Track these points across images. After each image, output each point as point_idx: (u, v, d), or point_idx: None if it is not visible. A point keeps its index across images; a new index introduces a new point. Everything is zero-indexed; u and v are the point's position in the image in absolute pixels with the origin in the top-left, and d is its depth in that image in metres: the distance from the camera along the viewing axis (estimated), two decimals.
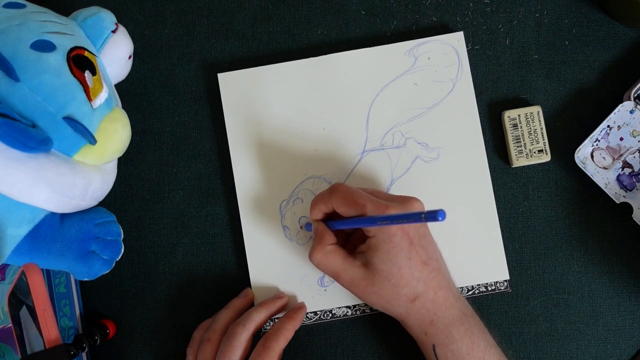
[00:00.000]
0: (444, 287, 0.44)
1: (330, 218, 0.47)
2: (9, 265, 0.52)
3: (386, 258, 0.43)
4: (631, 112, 0.51)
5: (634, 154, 0.51)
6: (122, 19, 0.54)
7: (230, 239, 0.52)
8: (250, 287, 0.51)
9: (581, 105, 0.53)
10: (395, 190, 0.52)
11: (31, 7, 0.45)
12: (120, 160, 0.51)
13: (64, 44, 0.43)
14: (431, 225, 0.51)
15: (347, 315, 0.51)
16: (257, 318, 0.47)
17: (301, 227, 0.52)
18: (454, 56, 0.52)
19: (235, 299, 0.50)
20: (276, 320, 0.51)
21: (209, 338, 0.47)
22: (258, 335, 0.48)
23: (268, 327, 0.51)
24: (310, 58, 0.53)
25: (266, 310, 0.48)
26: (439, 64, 0.52)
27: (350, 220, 0.45)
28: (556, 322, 0.51)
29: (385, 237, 0.43)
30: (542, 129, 0.51)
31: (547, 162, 0.52)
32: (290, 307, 0.51)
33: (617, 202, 0.51)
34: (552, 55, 0.53)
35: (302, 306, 0.50)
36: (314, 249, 0.46)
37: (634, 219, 0.50)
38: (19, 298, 0.45)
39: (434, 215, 0.36)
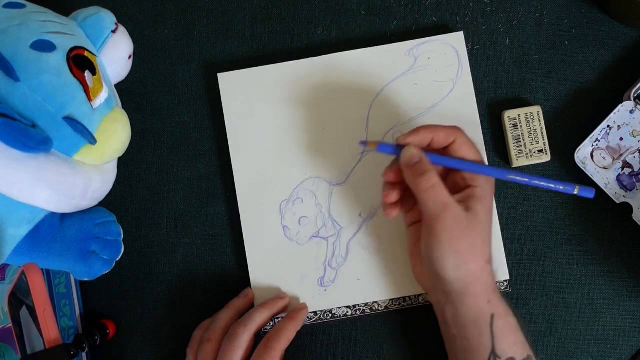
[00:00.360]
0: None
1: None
2: (9, 265, 0.52)
3: (487, 211, 0.44)
4: (631, 112, 0.51)
5: (634, 154, 0.51)
6: (122, 19, 0.54)
7: (230, 239, 0.52)
8: (250, 287, 0.51)
9: (581, 105, 0.53)
10: None
11: (31, 7, 0.45)
12: (120, 160, 0.51)
13: (64, 44, 0.43)
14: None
15: (347, 315, 0.51)
16: (258, 318, 0.47)
17: (369, 143, 0.45)
18: (454, 56, 0.53)
19: (235, 299, 0.50)
20: (277, 320, 0.51)
21: (209, 338, 0.47)
22: (259, 336, 0.48)
23: (269, 328, 0.51)
24: (310, 58, 0.53)
25: (268, 311, 0.48)
26: (439, 64, 0.52)
27: (469, 163, 0.44)
28: (556, 322, 0.51)
29: (489, 192, 0.44)
30: (542, 129, 0.51)
31: (547, 162, 0.52)
32: (292, 307, 0.51)
33: (617, 202, 0.51)
34: (552, 55, 0.53)
35: (303, 307, 0.50)
36: (427, 173, 0.43)
37: (634, 219, 0.50)
38: (19, 298, 0.45)
39: (589, 192, 0.40)
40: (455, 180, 0.45)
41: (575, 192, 0.43)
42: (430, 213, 0.43)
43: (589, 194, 0.43)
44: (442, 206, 0.42)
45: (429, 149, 0.45)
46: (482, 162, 0.45)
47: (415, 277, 0.49)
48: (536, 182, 0.44)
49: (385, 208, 0.47)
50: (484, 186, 0.44)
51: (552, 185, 0.44)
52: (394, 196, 0.46)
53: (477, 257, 0.43)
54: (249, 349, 0.46)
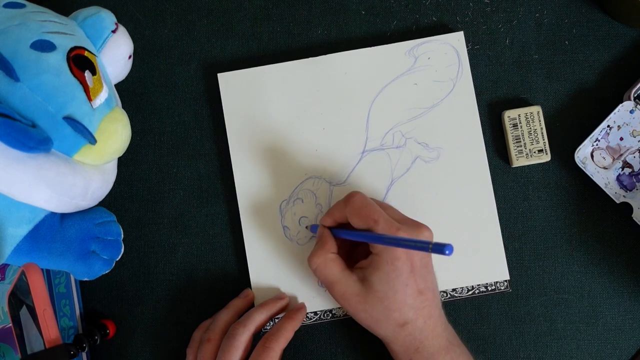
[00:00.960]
0: (434, 316, 0.45)
1: (339, 226, 0.48)
2: (9, 265, 0.52)
3: (385, 279, 0.43)
4: (631, 112, 0.51)
5: (634, 153, 0.51)
6: (122, 19, 0.54)
7: (230, 239, 0.52)
8: (251, 287, 0.51)
9: (581, 105, 0.53)
10: (395, 191, 0.52)
11: (31, 7, 0.45)
12: (120, 160, 0.51)
13: (64, 43, 0.43)
14: (431, 223, 0.51)
15: (347, 315, 0.51)
16: (257, 318, 0.47)
17: (306, 227, 0.51)
18: (454, 56, 0.53)
19: (235, 299, 0.50)
20: (277, 320, 0.51)
21: (209, 338, 0.47)
22: (258, 336, 0.48)
23: (269, 328, 0.51)
24: (310, 58, 0.53)
25: (267, 311, 0.48)
26: (439, 64, 0.52)
27: (358, 233, 0.45)
28: (556, 322, 0.51)
29: (389, 259, 0.43)
30: (542, 129, 0.51)
31: (547, 162, 0.52)
32: (291, 307, 0.51)
33: (617, 202, 0.51)
34: (552, 55, 0.53)
35: (302, 307, 0.50)
36: (315, 253, 0.46)
37: (634, 219, 0.50)
38: (19, 298, 0.45)
39: (441, 249, 0.36)
40: (365, 249, 0.46)
41: (430, 248, 0.38)
42: (326, 287, 0.46)
43: (447, 250, 0.36)
44: (330, 282, 0.45)
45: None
46: (375, 226, 0.43)
47: None
48: (392, 242, 0.42)
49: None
50: (381, 254, 0.43)
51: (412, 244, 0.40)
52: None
53: (382, 325, 0.44)
54: (247, 349, 0.46)
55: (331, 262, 0.45)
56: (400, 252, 0.43)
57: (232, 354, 0.45)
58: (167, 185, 0.53)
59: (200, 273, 0.52)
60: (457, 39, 0.53)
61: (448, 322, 0.46)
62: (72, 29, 0.45)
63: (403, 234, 0.42)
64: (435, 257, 0.46)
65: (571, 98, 0.53)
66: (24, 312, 0.44)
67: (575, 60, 0.53)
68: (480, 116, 0.52)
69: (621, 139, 0.51)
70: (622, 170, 0.51)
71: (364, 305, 0.44)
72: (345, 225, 0.47)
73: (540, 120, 0.51)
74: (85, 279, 0.49)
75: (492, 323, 0.51)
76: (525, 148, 0.51)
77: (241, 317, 0.48)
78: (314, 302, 0.51)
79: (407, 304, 0.43)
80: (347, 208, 0.45)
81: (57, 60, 0.42)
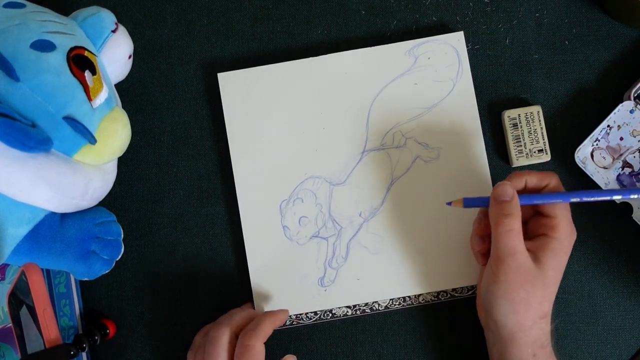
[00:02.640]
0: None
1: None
2: (9, 265, 0.52)
3: (558, 268, 0.43)
4: (631, 112, 0.51)
5: (634, 153, 0.51)
6: (122, 19, 0.54)
7: (230, 239, 0.52)
8: (251, 287, 0.51)
9: (581, 105, 0.53)
10: (395, 191, 0.52)
11: (31, 6, 0.45)
12: (120, 160, 0.51)
13: (64, 43, 0.43)
14: (431, 223, 0.51)
15: (347, 315, 0.51)
16: (267, 330, 0.46)
17: (455, 203, 0.46)
18: (454, 56, 0.53)
19: (236, 308, 0.50)
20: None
21: None
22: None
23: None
24: (311, 58, 0.53)
25: (272, 323, 0.47)
26: (439, 64, 0.52)
27: (565, 194, 0.44)
28: (556, 322, 0.51)
29: (566, 249, 0.44)
30: (542, 128, 0.51)
31: (547, 162, 0.52)
32: (286, 299, 0.50)
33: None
34: (552, 55, 0.53)
35: (285, 311, 0.49)
36: (512, 216, 0.43)
37: (634, 219, 0.50)
38: (19, 298, 0.45)
39: None
40: (536, 227, 0.45)
41: None
42: (498, 255, 0.43)
43: None
44: (510, 251, 0.43)
45: (522, 192, 0.45)
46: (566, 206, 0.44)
47: (477, 311, 0.49)
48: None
49: (477, 257, 0.48)
50: (562, 240, 0.43)
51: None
52: (484, 247, 0.47)
53: (530, 311, 0.43)
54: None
55: (521, 234, 0.43)
56: (571, 247, 0.44)
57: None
58: (167, 185, 0.53)
59: (200, 273, 0.52)
60: (457, 39, 0.53)
61: None
62: (72, 29, 0.45)
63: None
64: (438, 256, 0.46)
65: (571, 98, 0.53)
66: (24, 312, 0.44)
67: (575, 60, 0.53)
68: (480, 116, 0.52)
69: (621, 138, 0.51)
70: (622, 170, 0.51)
71: (529, 285, 0.42)
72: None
73: (540, 120, 0.51)
74: (85, 279, 0.49)
75: None
76: (525, 148, 0.51)
77: (250, 326, 0.46)
78: (314, 302, 0.51)
79: (552, 298, 0.44)
80: (554, 180, 0.45)
81: (57, 60, 0.42)
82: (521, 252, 0.43)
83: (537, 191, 0.45)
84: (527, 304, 0.43)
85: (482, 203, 0.46)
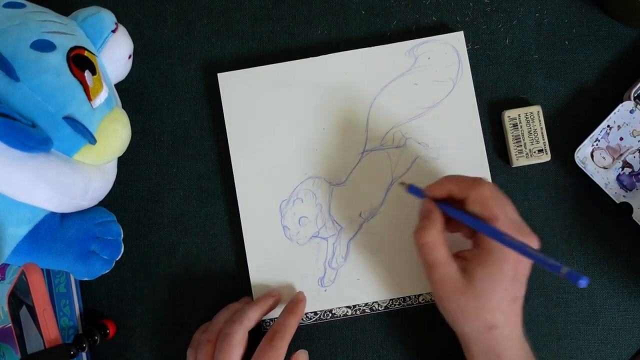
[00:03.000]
0: (519, 327, 0.44)
1: (442, 201, 0.45)
2: (9, 265, 0.52)
3: (488, 278, 0.42)
4: (631, 112, 0.51)
5: (634, 153, 0.51)
6: (122, 19, 0.54)
7: (230, 239, 0.52)
8: (250, 287, 0.51)
9: (581, 105, 0.53)
10: (395, 191, 0.52)
11: (31, 6, 0.45)
12: (120, 160, 0.51)
13: (64, 43, 0.43)
14: None
15: (347, 315, 0.51)
16: (252, 316, 0.47)
17: (403, 184, 0.48)
18: (454, 56, 0.52)
19: (234, 303, 0.50)
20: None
21: (208, 339, 0.47)
22: (251, 332, 0.48)
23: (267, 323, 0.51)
24: (311, 58, 0.53)
25: (260, 308, 0.48)
26: (439, 64, 0.52)
27: (476, 221, 0.42)
28: (556, 322, 0.51)
29: (497, 259, 0.42)
30: (542, 128, 0.51)
31: (547, 162, 0.52)
32: (287, 298, 0.50)
33: (617, 202, 0.51)
34: (552, 55, 0.53)
35: (302, 298, 0.50)
36: (425, 230, 0.43)
37: (634, 219, 0.50)
38: (19, 298, 0.45)
39: (576, 279, 0.34)
40: (477, 238, 0.44)
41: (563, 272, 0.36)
42: (425, 266, 0.44)
43: (580, 281, 0.35)
44: (430, 264, 0.43)
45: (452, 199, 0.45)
46: (494, 220, 0.41)
47: None
48: (527, 249, 0.39)
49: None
50: (490, 250, 0.42)
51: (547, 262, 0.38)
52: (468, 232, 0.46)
53: (470, 322, 0.43)
54: (245, 346, 0.46)
55: (440, 245, 0.43)
56: (510, 255, 0.41)
57: (230, 352, 0.45)
58: (167, 185, 0.53)
59: (200, 273, 0.52)
60: (457, 39, 0.53)
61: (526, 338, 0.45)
62: (72, 29, 0.45)
63: (534, 242, 0.41)
64: None
65: (571, 98, 0.53)
66: (24, 312, 0.44)
67: (575, 60, 0.53)
68: (480, 116, 0.52)
69: (621, 139, 0.51)
70: (622, 170, 0.51)
71: (459, 297, 0.42)
72: (448, 202, 0.45)
73: (540, 120, 0.51)
74: (85, 279, 0.49)
75: None
76: (525, 148, 0.51)
77: (234, 315, 0.47)
78: (314, 302, 0.51)
79: (500, 309, 0.42)
80: (473, 192, 0.43)
81: (57, 60, 0.42)
82: (443, 263, 0.43)
83: (463, 201, 0.44)
84: (463, 315, 0.43)
85: (419, 195, 0.46)
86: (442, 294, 0.43)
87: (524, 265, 0.43)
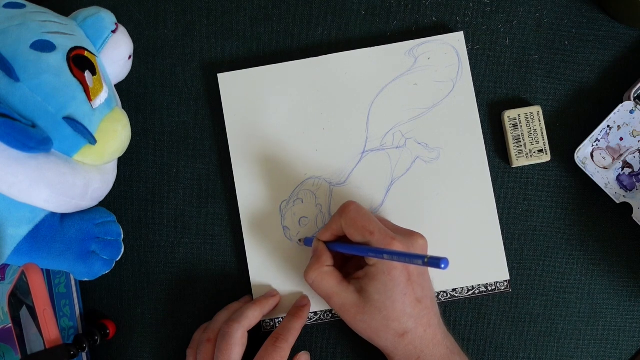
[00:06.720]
0: (434, 324, 0.44)
1: (336, 240, 0.47)
2: (9, 265, 0.52)
3: (382, 289, 0.43)
4: (631, 112, 0.51)
5: (634, 154, 0.51)
6: (122, 19, 0.54)
7: (230, 239, 0.52)
8: (251, 287, 0.51)
9: (581, 105, 0.53)
10: (395, 191, 0.52)
11: (31, 7, 0.45)
12: (120, 160, 0.51)
13: (64, 44, 0.43)
14: (431, 223, 0.51)
15: None
16: (251, 315, 0.47)
17: (300, 241, 0.51)
18: (454, 56, 0.53)
19: (234, 302, 0.50)
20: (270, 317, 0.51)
21: (208, 338, 0.47)
22: (251, 332, 0.48)
23: (267, 324, 0.51)
24: (310, 58, 0.53)
25: (260, 308, 0.48)
26: (439, 64, 0.52)
27: (353, 247, 0.45)
28: (556, 322, 0.51)
29: (385, 269, 0.43)
30: (542, 129, 0.51)
31: (547, 162, 0.52)
32: (287, 300, 0.50)
33: (617, 202, 0.51)
34: (552, 55, 0.53)
35: (307, 303, 0.50)
36: (311, 267, 0.46)
37: (634, 219, 0.50)
38: (19, 298, 0.45)
39: (437, 262, 0.35)
40: (361, 260, 0.46)
41: (425, 261, 0.37)
42: (325, 299, 0.46)
43: (442, 264, 0.35)
44: (326, 294, 0.45)
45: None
46: (370, 238, 0.43)
47: None
48: (387, 256, 0.41)
49: None
50: (376, 264, 0.43)
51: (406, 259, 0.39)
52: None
53: (383, 336, 0.44)
54: (244, 345, 0.46)
55: (327, 275, 0.45)
56: (396, 262, 0.43)
57: (230, 351, 0.45)
58: (167, 185, 0.53)
59: (200, 273, 0.52)
60: (457, 39, 0.53)
61: (447, 330, 0.46)
62: (72, 29, 0.45)
63: (398, 244, 0.42)
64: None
65: (571, 98, 0.53)
66: (24, 312, 0.44)
67: (575, 60, 0.53)
68: (480, 116, 0.52)
69: (621, 139, 0.51)
70: (622, 170, 0.51)
71: (363, 316, 0.44)
72: (342, 239, 0.47)
73: (540, 120, 0.51)
74: (85, 279, 0.49)
75: (492, 323, 0.51)
76: (525, 148, 0.51)
77: (234, 315, 0.48)
78: (314, 302, 0.51)
79: (406, 313, 0.43)
80: (342, 219, 0.45)
81: (57, 60, 0.42)
82: (337, 292, 0.45)
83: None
84: (373, 331, 0.44)
85: (309, 244, 0.49)
86: (348, 318, 0.45)
87: (414, 266, 0.44)
